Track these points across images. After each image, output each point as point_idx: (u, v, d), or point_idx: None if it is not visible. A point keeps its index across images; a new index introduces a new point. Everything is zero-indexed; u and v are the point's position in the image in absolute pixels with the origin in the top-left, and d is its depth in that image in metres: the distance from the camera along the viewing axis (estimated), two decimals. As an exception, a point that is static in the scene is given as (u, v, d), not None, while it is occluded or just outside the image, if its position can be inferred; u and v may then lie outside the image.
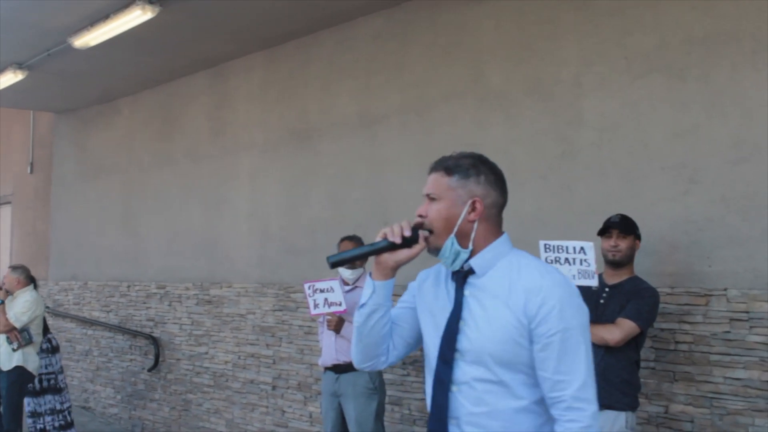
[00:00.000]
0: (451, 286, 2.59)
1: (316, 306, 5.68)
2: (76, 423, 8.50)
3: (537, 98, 5.60)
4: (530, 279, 2.48)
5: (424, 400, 5.96)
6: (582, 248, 4.43)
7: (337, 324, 5.71)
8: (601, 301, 4.49)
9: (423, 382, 6.17)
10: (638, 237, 4.59)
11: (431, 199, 2.60)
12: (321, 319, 5.88)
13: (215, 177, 8.56)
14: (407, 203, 6.41)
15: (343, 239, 6.01)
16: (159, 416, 9.21)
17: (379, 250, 2.55)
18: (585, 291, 4.20)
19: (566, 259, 4.45)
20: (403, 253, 2.54)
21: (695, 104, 4.77)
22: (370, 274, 2.61)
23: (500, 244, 2.58)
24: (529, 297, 2.45)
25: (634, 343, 4.39)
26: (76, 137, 11.14)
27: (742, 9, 4.59)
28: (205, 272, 8.66)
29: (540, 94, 5.58)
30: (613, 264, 4.54)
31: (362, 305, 2.60)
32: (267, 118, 7.93)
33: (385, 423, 6.12)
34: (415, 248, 2.53)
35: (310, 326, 7.20)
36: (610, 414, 4.25)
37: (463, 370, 2.49)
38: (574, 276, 4.36)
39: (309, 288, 5.70)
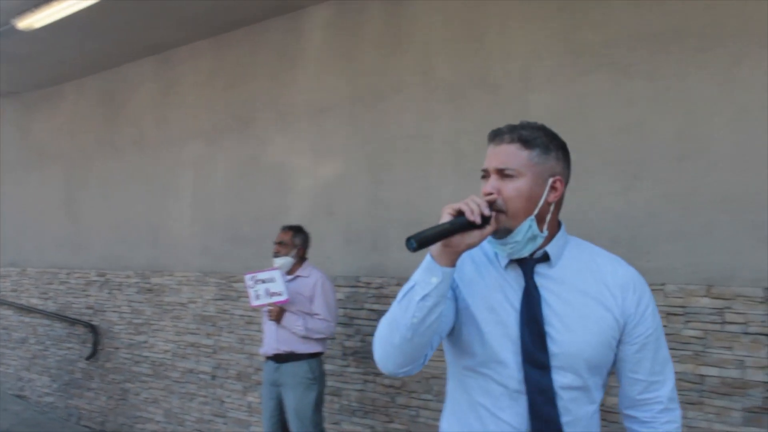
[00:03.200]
0: (512, 275, 2.28)
1: (257, 297, 5.60)
2: (10, 412, 8.29)
3: (485, 91, 5.58)
4: (618, 273, 2.29)
5: (363, 391, 5.93)
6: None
7: (278, 314, 5.64)
8: None
9: (364, 373, 6.17)
10: None
11: (506, 175, 2.22)
12: (264, 309, 5.80)
13: (160, 164, 8.42)
14: (353, 193, 6.36)
15: (284, 228, 5.94)
16: (96, 405, 9.03)
17: (456, 230, 2.12)
18: None
19: None
20: (475, 235, 2.12)
21: (640, 100, 4.78)
22: (431, 259, 2.12)
23: (564, 230, 2.36)
24: (625, 294, 2.26)
25: None
26: (19, 121, 10.88)
27: (688, 7, 4.61)
28: (147, 260, 8.51)
29: (488, 87, 5.56)
30: None
31: (424, 297, 2.09)
32: (214, 106, 7.82)
33: (325, 414, 6.06)
34: (488, 229, 2.14)
35: (251, 316, 7.10)
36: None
37: (559, 380, 2.21)
38: None
39: (250, 279, 5.62)
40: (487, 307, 2.26)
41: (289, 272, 5.85)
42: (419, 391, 5.81)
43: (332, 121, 6.62)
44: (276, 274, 5.57)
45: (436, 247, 2.11)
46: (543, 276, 2.25)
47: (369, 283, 6.21)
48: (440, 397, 5.61)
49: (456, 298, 2.32)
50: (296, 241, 5.92)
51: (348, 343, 6.33)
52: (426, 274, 2.10)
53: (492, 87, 5.53)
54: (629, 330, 2.25)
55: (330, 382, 6.31)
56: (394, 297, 5.94)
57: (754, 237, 4.31)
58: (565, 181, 2.36)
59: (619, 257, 2.38)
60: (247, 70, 7.47)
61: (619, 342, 2.27)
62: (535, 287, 2.22)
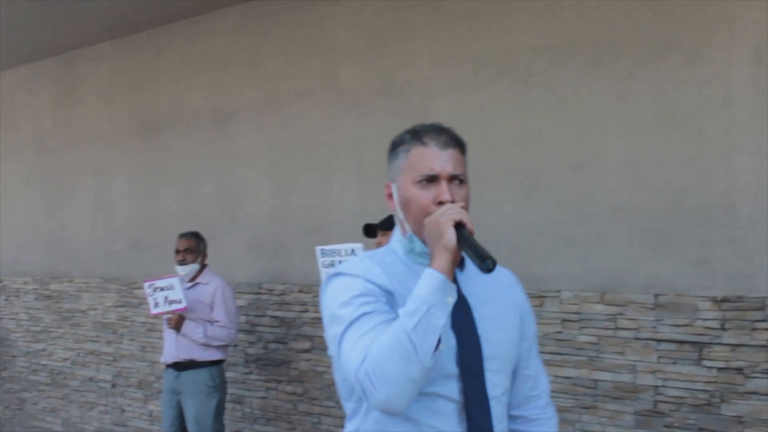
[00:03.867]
0: None
1: (156, 305, 5.51)
2: None
3: (388, 98, 5.60)
4: (504, 272, 2.27)
5: (266, 398, 5.88)
6: (353, 250, 4.45)
7: (178, 322, 5.55)
8: None
9: (266, 380, 6.12)
10: None
11: (461, 181, 2.08)
12: (164, 317, 5.70)
13: (60, 168, 8.21)
14: (257, 199, 6.31)
15: (185, 236, 5.85)
16: (-9, 416, 8.76)
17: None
18: None
19: (339, 262, 4.45)
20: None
21: (539, 110, 4.86)
22: (444, 278, 1.87)
23: None
24: (517, 291, 2.27)
25: None
26: None
27: (584, 19, 4.71)
28: (46, 266, 8.30)
29: (391, 94, 5.58)
30: None
31: (442, 321, 1.85)
32: (116, 110, 7.66)
33: (226, 421, 5.99)
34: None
35: (152, 323, 6.98)
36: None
37: (491, 383, 2.08)
38: None
39: (149, 287, 5.53)
40: None
41: (189, 279, 5.77)
42: (321, 398, 5.79)
43: (237, 126, 6.55)
44: (175, 282, 5.48)
45: (445, 263, 1.88)
46: (461, 281, 2.13)
47: (272, 290, 6.16)
48: (342, 403, 5.59)
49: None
50: (200, 248, 5.85)
51: (250, 350, 6.27)
52: (440, 294, 1.84)
53: (395, 94, 5.56)
54: (524, 326, 2.24)
55: (232, 390, 6.24)
56: (297, 303, 5.95)
57: (645, 245, 4.42)
58: None
59: None
60: (151, 74, 7.35)
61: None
62: (461, 293, 2.10)
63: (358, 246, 4.47)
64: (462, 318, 2.07)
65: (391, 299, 2.01)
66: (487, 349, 2.07)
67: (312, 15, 6.09)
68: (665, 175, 4.38)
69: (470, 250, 1.88)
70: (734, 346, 4.13)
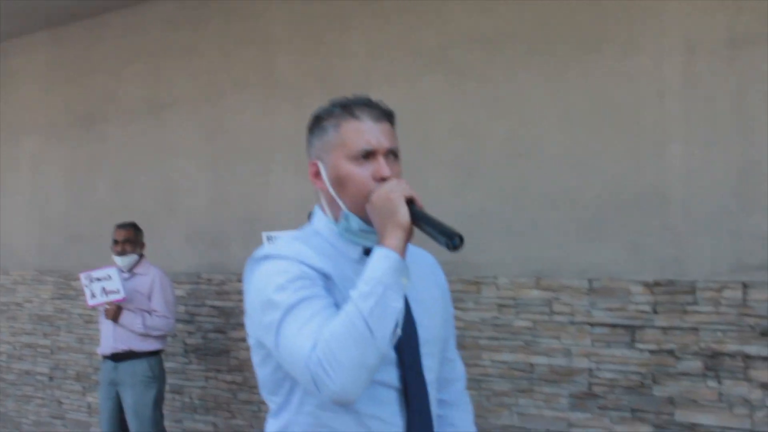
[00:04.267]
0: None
1: (93, 296, 5.42)
2: None
3: (326, 90, 5.55)
4: (422, 254, 2.16)
5: (205, 388, 5.83)
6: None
7: (115, 313, 5.46)
8: None
9: (206, 370, 6.06)
10: None
11: (395, 156, 1.95)
12: (101, 308, 5.61)
13: (-7, 160, 8.02)
14: (194, 190, 6.24)
15: (116, 227, 5.74)
16: (-76, 411, 8.53)
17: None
18: None
19: None
20: None
21: (475, 101, 4.88)
22: (399, 257, 1.75)
23: None
24: (439, 273, 2.18)
25: None
26: None
27: (518, 11, 4.73)
28: (-21, 259, 8.10)
29: (329, 86, 5.54)
30: None
31: (399, 304, 1.73)
32: (51, 101, 7.48)
33: (166, 412, 5.91)
34: None
35: (90, 315, 6.86)
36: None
37: (427, 367, 1.99)
38: None
39: (86, 278, 5.43)
40: None
41: (127, 270, 5.68)
42: (261, 387, 5.75)
43: (174, 117, 6.46)
44: (112, 272, 5.39)
45: (399, 242, 1.77)
46: None
47: (210, 280, 6.10)
48: (282, 392, 5.57)
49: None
50: (139, 238, 5.76)
51: (190, 341, 6.20)
52: (395, 275, 1.72)
53: (332, 85, 5.52)
54: (446, 308, 2.16)
55: (171, 380, 6.16)
56: (236, 293, 5.89)
57: (579, 232, 4.47)
58: None
59: None
60: (86, 65, 7.19)
61: None
62: None
63: (285, 237, 4.45)
64: None
65: (328, 283, 1.85)
66: (422, 333, 1.97)
67: (247, 6, 6.02)
68: (599, 165, 4.43)
69: (430, 227, 1.79)
70: (665, 329, 4.20)
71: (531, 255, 4.61)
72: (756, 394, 3.95)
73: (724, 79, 4.12)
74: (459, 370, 2.22)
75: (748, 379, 3.98)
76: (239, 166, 6.00)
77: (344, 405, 1.78)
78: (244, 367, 5.84)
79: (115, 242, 5.67)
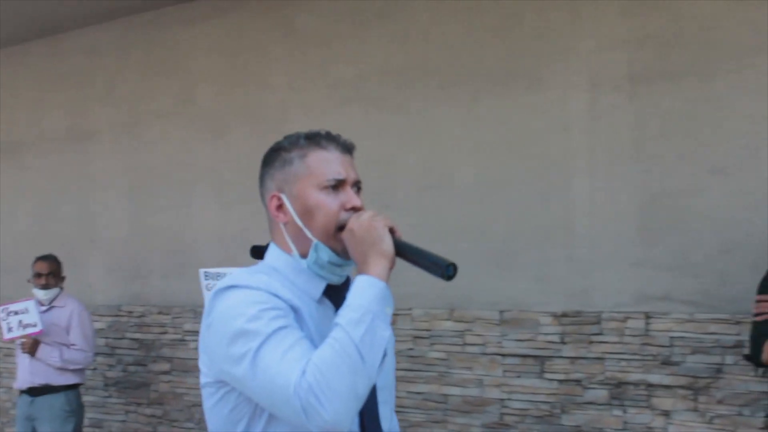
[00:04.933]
0: (325, 308, 1.85)
1: (10, 329, 5.30)
2: None
3: (246, 121, 5.55)
4: None
5: (125, 422, 5.74)
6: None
7: (32, 346, 5.34)
8: None
9: (126, 403, 5.97)
10: None
11: (359, 189, 1.90)
12: (17, 342, 5.49)
13: None
14: (115, 221, 6.16)
15: (37, 259, 5.64)
16: None
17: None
18: None
19: None
20: None
21: (390, 133, 4.90)
22: (385, 285, 1.70)
23: None
24: None
25: None
26: None
27: (432, 45, 4.78)
28: None
29: (249, 117, 5.53)
30: None
31: (387, 333, 1.68)
32: (-28, 130, 7.36)
33: (84, 446, 5.81)
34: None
35: (9, 348, 6.70)
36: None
37: (382, 416, 1.89)
38: None
39: (2, 311, 5.30)
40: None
41: (44, 302, 5.57)
42: (181, 420, 5.68)
43: (95, 147, 6.37)
44: (30, 305, 5.28)
45: (386, 272, 1.72)
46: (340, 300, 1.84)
47: (131, 312, 6.01)
48: (203, 425, 5.51)
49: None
50: (60, 270, 5.66)
51: (110, 374, 6.10)
52: (381, 304, 1.66)
53: (252, 116, 5.51)
54: (392, 353, 2.00)
55: (91, 414, 6.05)
56: (157, 325, 5.83)
57: (490, 263, 4.51)
58: None
59: None
60: (7, 93, 7.08)
61: None
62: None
63: (242, 271, 4.35)
64: None
65: (297, 317, 1.74)
66: (377, 379, 1.76)
67: (168, 36, 5.99)
68: (508, 196, 4.48)
69: (419, 257, 1.76)
70: (573, 359, 4.25)
71: (445, 286, 4.59)
72: (658, 422, 4.02)
73: (626, 114, 4.21)
74: (395, 425, 2.03)
75: (651, 407, 4.05)
76: (160, 197, 5.94)
77: None
78: (164, 399, 5.76)
79: (38, 275, 5.55)
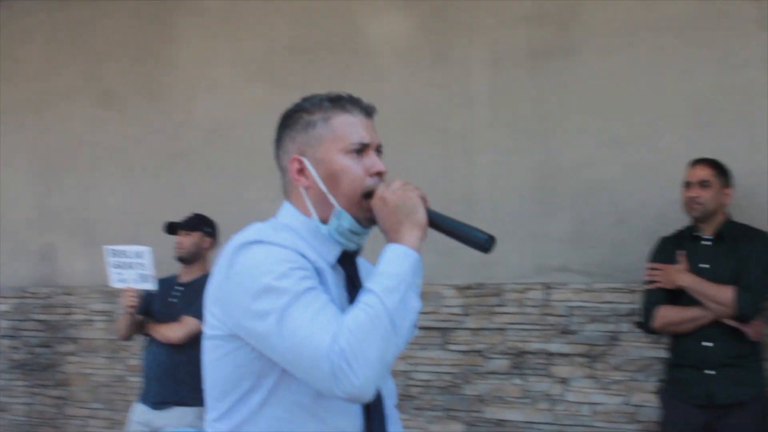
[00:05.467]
0: (337, 274, 1.78)
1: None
2: None
3: (151, 99, 5.46)
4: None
5: (31, 404, 5.62)
6: (139, 252, 4.21)
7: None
8: (172, 299, 4.30)
9: (31, 386, 5.81)
10: (208, 234, 4.41)
11: (380, 152, 1.84)
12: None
13: None
14: (20, 202, 6.00)
15: None
16: None
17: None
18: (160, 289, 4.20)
19: (128, 264, 4.25)
20: None
21: (296, 110, 4.88)
22: (419, 256, 1.66)
23: None
24: None
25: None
26: None
27: (337, 22, 4.78)
28: None
29: (154, 95, 5.44)
30: (181, 260, 4.34)
31: (418, 304, 1.64)
32: None
33: (-11, 430, 5.67)
34: None
35: None
36: (178, 410, 4.13)
37: (389, 388, 1.86)
38: (135, 280, 4.17)
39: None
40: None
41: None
42: (88, 401, 5.56)
43: (-2, 126, 6.21)
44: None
45: (420, 243, 1.68)
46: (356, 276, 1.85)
47: (36, 293, 5.86)
48: (110, 405, 5.42)
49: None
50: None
51: (15, 356, 5.94)
52: (414, 274, 1.63)
53: (158, 95, 5.42)
54: None
55: (-4, 398, 5.91)
56: (62, 306, 5.70)
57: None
58: None
59: None
60: None
61: None
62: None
63: (145, 249, 4.21)
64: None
65: (321, 280, 1.67)
66: None
67: (72, 15, 5.83)
68: (412, 171, 4.45)
69: (455, 228, 1.72)
70: (475, 330, 4.29)
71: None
72: (556, 389, 4.09)
73: (526, 89, 4.26)
74: (390, 386, 1.92)
75: (550, 376, 4.12)
76: (65, 176, 5.80)
77: (358, 402, 1.59)
78: (71, 381, 5.64)
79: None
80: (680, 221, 3.68)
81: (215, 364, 1.75)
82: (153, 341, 4.22)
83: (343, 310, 1.63)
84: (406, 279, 1.58)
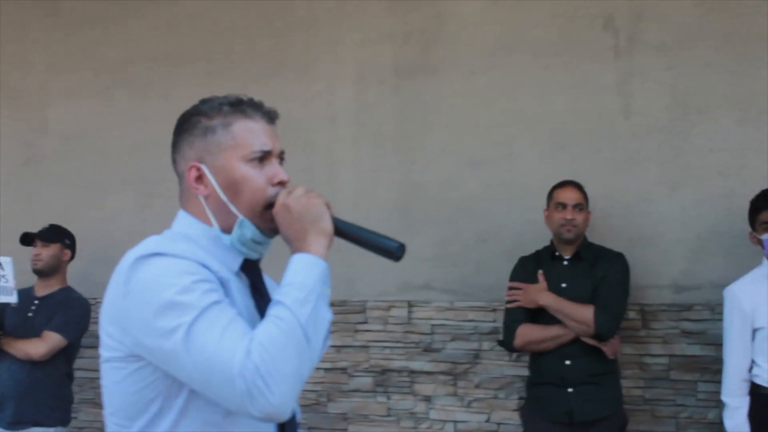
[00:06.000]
0: (241, 281, 1.68)
1: None
2: None
3: (3, 103, 5.17)
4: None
5: None
6: (0, 264, 3.92)
7: None
8: (30, 314, 4.11)
9: None
10: (67, 246, 4.26)
11: (282, 159, 1.76)
12: None
13: None
14: None
15: None
16: None
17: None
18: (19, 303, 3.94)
19: None
20: None
21: (156, 119, 4.70)
22: (326, 265, 1.60)
23: None
24: None
25: (63, 355, 4.06)
26: None
27: (200, 32, 4.64)
28: None
29: (6, 99, 5.14)
30: (38, 273, 4.17)
31: (330, 315, 1.58)
32: None
33: None
34: None
35: None
36: (37, 431, 3.94)
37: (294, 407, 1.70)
38: None
39: None
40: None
41: None
42: None
43: None
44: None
45: (326, 251, 1.61)
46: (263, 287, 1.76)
47: None
48: None
49: None
50: None
51: None
52: (324, 283, 1.56)
53: (10, 98, 5.11)
54: None
55: None
56: None
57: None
58: None
59: None
60: None
61: None
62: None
63: (6, 259, 3.94)
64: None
65: (226, 291, 1.57)
66: None
67: None
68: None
69: (363, 236, 1.63)
70: (339, 347, 4.25)
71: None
72: (420, 407, 4.09)
73: (390, 106, 4.25)
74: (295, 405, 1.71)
75: (414, 393, 4.12)
76: None
77: (273, 421, 1.51)
78: None
79: None
80: (539, 241, 3.75)
81: (117, 388, 1.60)
82: (8, 357, 3.98)
83: (250, 318, 1.57)
84: (315, 289, 1.52)
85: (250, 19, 4.56)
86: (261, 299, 1.66)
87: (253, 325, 1.51)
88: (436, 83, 4.20)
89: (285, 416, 1.44)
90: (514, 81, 4.09)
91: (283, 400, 1.41)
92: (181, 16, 4.71)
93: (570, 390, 3.44)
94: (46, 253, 4.17)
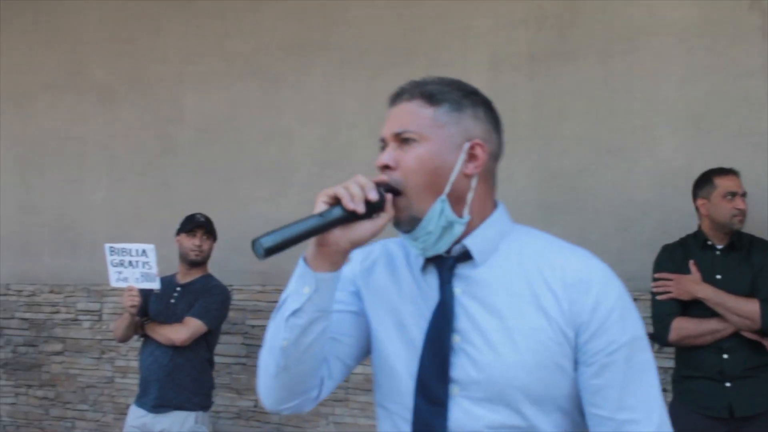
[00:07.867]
0: (429, 281, 1.55)
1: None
2: None
3: (139, 94, 5.23)
4: (570, 268, 1.47)
5: (15, 404, 5.41)
6: (144, 251, 4.00)
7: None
8: (172, 300, 4.15)
9: (16, 385, 5.60)
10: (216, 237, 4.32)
11: (404, 140, 1.53)
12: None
13: None
14: (3, 197, 5.75)
15: None
16: None
17: (329, 225, 1.46)
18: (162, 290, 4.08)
19: (130, 262, 4.05)
20: (365, 228, 1.47)
21: (287, 109, 4.70)
22: (304, 261, 1.48)
23: (501, 216, 1.57)
24: (575, 296, 1.45)
25: (204, 341, 4.10)
26: None
27: (331, 21, 4.60)
28: None
29: (142, 90, 5.21)
30: (193, 263, 4.20)
31: (294, 313, 1.45)
32: None
33: (-28, 430, 5.45)
34: (382, 219, 1.48)
35: None
36: (180, 414, 3.98)
37: (469, 414, 1.45)
38: (137, 279, 3.99)
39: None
40: (396, 324, 1.56)
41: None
42: (75, 402, 5.35)
43: (-22, 120, 5.94)
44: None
45: (310, 248, 1.48)
46: (465, 279, 1.51)
47: (20, 291, 5.62)
48: (97, 407, 5.23)
49: (364, 313, 1.62)
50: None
51: (-1, 354, 5.74)
52: (298, 283, 1.46)
53: (146, 90, 5.19)
54: (582, 344, 1.45)
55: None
56: (48, 304, 5.48)
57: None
58: (491, 149, 1.58)
59: (586, 251, 1.53)
60: None
61: (576, 362, 1.46)
62: (451, 294, 1.50)
63: (149, 247, 4.02)
64: (433, 327, 1.50)
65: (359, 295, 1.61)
66: (466, 369, 1.46)
67: (57, 5, 5.57)
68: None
69: (295, 232, 1.44)
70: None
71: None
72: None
73: (525, 93, 4.11)
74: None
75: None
76: (49, 171, 5.56)
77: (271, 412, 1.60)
78: (57, 381, 5.42)
79: None
80: (682, 229, 3.55)
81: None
82: (152, 342, 4.07)
83: (415, 320, 1.56)
84: (288, 288, 1.51)
85: (380, 6, 4.48)
86: (441, 300, 1.54)
87: (410, 320, 1.55)
88: (572, 69, 4.04)
89: (267, 408, 1.57)
90: (654, 64, 3.89)
91: (260, 393, 1.57)
92: (311, 6, 4.66)
93: (728, 384, 3.23)
94: (207, 246, 4.22)
